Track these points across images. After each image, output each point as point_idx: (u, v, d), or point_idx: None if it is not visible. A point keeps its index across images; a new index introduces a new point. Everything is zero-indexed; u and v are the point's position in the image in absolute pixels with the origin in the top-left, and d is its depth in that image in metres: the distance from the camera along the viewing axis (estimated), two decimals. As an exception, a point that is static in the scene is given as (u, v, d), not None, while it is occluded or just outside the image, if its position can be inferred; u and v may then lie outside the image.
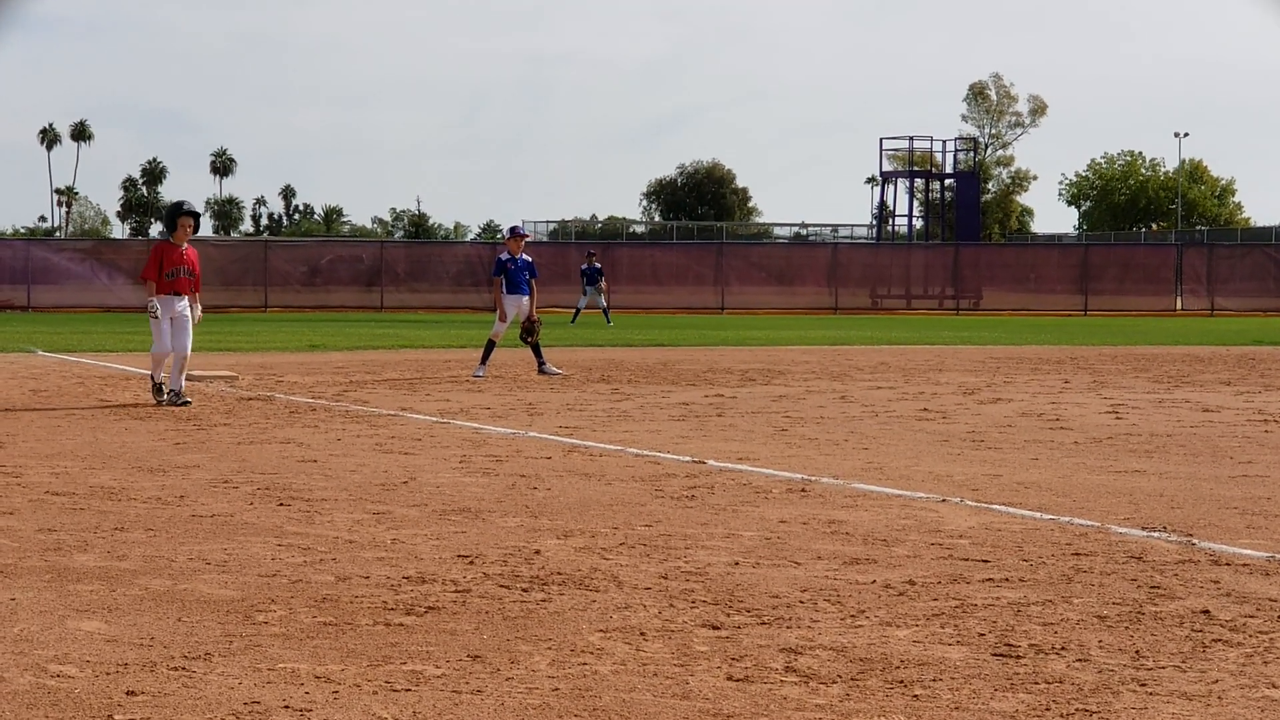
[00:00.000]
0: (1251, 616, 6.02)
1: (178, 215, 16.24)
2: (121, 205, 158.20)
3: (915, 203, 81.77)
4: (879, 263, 66.12)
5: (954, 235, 75.00)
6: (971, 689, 5.02)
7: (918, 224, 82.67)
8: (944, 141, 78.86)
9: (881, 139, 79.59)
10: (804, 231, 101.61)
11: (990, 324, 47.19)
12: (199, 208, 16.75)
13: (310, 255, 63.04)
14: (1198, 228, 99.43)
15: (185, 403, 15.61)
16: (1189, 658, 5.38)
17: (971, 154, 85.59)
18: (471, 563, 7.11)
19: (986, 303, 61.90)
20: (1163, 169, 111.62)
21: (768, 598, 6.36)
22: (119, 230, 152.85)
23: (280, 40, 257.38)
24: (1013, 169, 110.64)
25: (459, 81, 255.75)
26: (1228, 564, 7.13)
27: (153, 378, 16.09)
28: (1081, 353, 28.08)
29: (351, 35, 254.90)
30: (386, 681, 5.05)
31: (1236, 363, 24.74)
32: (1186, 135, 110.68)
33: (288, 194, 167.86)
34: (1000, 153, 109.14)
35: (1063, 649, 5.49)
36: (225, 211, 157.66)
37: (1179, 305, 61.55)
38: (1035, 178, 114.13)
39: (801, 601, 6.29)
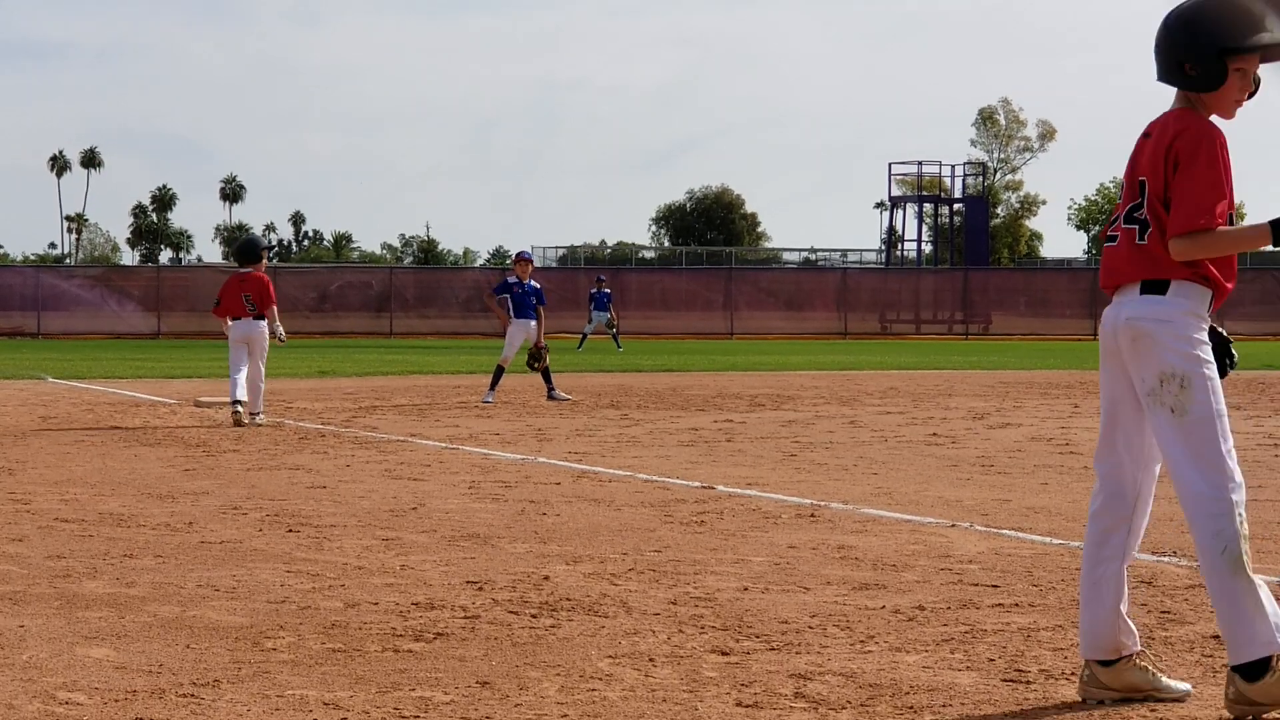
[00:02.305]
0: (1262, 641, 5.99)
1: (262, 248, 18.28)
2: (131, 232, 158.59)
3: (924, 227, 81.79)
4: (888, 287, 66.11)
5: (963, 260, 75.01)
6: (981, 715, 5.01)
7: (927, 249, 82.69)
8: (953, 166, 79.05)
9: (890, 164, 79.62)
10: (813, 256, 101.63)
11: (999, 348, 47.16)
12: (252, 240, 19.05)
13: (320, 281, 63.21)
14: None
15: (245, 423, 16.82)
16: (1199, 683, 5.36)
17: (980, 178, 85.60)
18: (480, 589, 7.11)
19: (995, 327, 61.87)
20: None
21: (777, 623, 6.35)
22: (129, 257, 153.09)
23: (290, 67, 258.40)
24: (1021, 193, 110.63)
25: (468, 107, 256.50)
26: (1238, 589, 7.11)
27: (257, 406, 17.08)
28: (1091, 377, 28.03)
29: (361, 62, 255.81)
30: (395, 708, 5.04)
31: (1246, 387, 24.69)
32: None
33: (297, 220, 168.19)
34: (1009, 177, 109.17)
35: (1073, 674, 5.47)
36: (235, 238, 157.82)
37: (1188, 329, 61.40)
38: (1044, 202, 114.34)
39: (811, 627, 6.28)
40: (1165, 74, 5.13)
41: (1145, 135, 5.21)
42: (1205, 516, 4.95)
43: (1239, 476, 5.00)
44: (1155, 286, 5.08)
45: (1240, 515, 4.96)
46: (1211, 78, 5.03)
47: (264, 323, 17.45)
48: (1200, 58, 5.01)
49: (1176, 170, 5.03)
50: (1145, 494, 5.26)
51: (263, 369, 17.32)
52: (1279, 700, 4.88)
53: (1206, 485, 4.96)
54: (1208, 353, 5.08)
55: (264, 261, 17.88)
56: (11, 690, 5.23)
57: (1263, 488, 11.00)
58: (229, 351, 17.38)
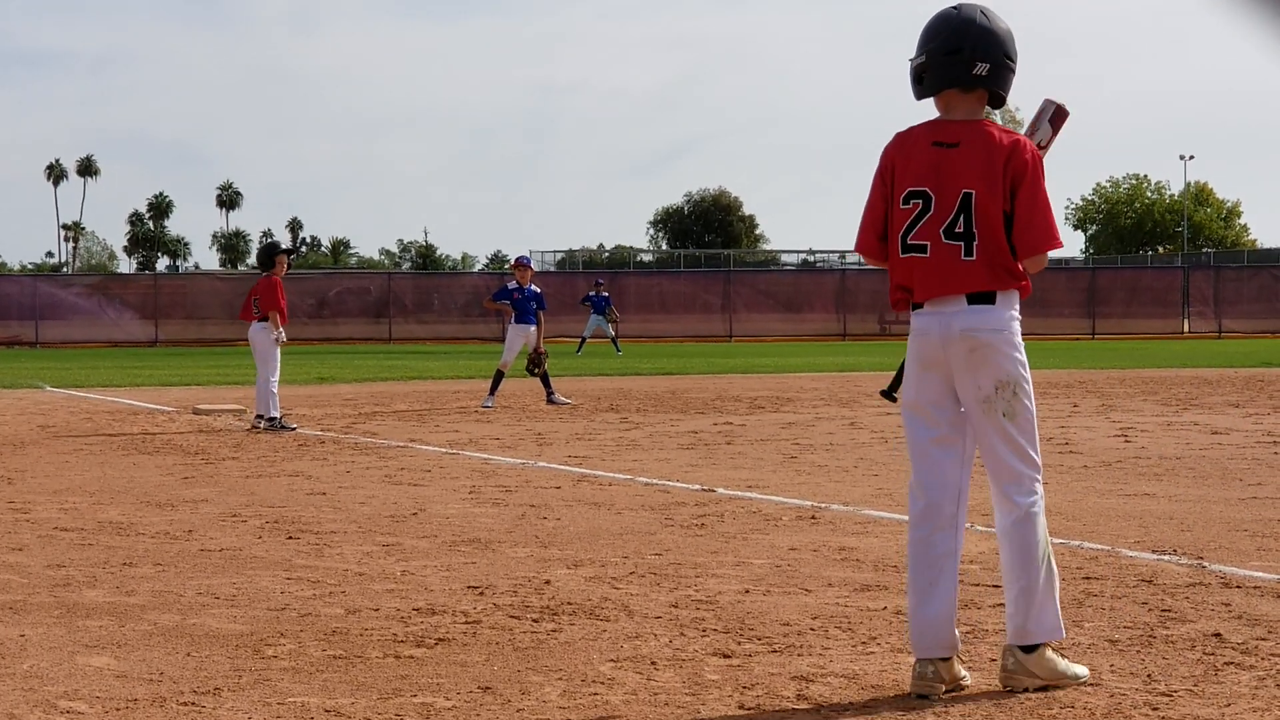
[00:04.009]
0: (1263, 639, 5.99)
1: (275, 253, 18.17)
2: (128, 240, 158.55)
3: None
4: (887, 288, 65.97)
5: (961, 260, 74.84)
6: (984, 714, 5.00)
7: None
8: (949, 167, 78.90)
9: (887, 165, 79.46)
10: (811, 258, 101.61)
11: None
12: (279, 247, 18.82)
13: (318, 287, 63.14)
14: (1204, 250, 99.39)
15: (293, 428, 16.96)
16: (1201, 681, 5.36)
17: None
18: (481, 594, 7.11)
19: (994, 327, 61.71)
20: (1168, 192, 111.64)
21: (779, 625, 6.34)
22: (126, 265, 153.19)
23: (286, 73, 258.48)
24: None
25: (466, 113, 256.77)
26: (1239, 586, 7.11)
27: (271, 413, 17.06)
28: (1090, 376, 28.06)
29: (358, 67, 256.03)
30: (397, 714, 5.04)
31: (1245, 384, 24.70)
32: (1192, 158, 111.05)
33: (294, 227, 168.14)
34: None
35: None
36: (232, 245, 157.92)
37: (1186, 327, 61.50)
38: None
39: (813, 629, 6.28)
40: (965, 76, 5.34)
41: (942, 144, 5.33)
42: (1025, 498, 5.29)
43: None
44: (983, 297, 5.29)
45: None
46: (1003, 79, 5.42)
47: (263, 326, 17.71)
48: (991, 59, 5.34)
49: (1018, 187, 5.24)
50: (965, 493, 5.44)
51: (263, 372, 17.40)
52: (1052, 672, 5.23)
53: (1028, 472, 5.30)
54: (1025, 358, 5.35)
55: (280, 265, 18.00)
56: (13, 700, 5.22)
57: (1262, 485, 11.01)
58: None
